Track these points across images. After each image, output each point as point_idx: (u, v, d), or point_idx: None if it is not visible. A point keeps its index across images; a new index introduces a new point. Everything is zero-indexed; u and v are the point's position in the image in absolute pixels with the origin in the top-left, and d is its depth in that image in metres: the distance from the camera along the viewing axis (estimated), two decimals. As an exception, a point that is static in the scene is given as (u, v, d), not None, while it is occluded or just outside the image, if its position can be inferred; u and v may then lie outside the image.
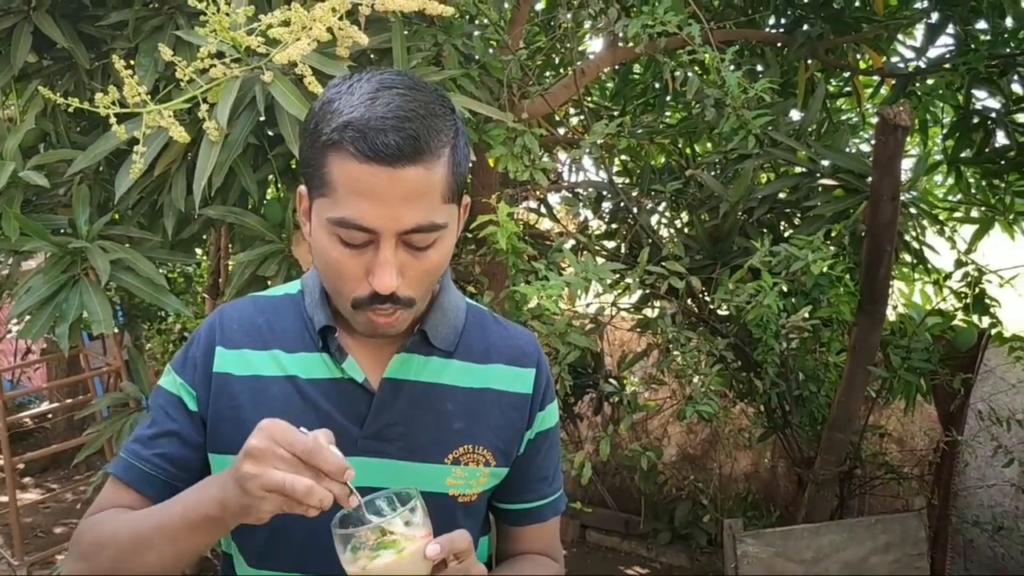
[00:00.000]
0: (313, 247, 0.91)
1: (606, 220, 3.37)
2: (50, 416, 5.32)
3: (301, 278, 1.05)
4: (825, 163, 2.64)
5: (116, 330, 2.79)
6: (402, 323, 0.92)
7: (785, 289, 2.35)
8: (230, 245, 2.70)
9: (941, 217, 3.02)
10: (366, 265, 0.86)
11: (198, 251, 3.20)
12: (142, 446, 0.96)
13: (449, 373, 0.99)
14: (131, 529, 0.89)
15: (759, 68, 3.47)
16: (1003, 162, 3.37)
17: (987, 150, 3.41)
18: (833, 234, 2.55)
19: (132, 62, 1.78)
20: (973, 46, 3.25)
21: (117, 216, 2.13)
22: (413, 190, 0.83)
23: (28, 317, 1.89)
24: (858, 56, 3.70)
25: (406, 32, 1.99)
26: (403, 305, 0.89)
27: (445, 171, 0.86)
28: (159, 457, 0.95)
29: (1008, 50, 3.24)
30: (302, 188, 0.94)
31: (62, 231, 2.03)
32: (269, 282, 2.05)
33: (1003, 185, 3.51)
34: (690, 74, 2.39)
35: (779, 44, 3.45)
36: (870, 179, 2.30)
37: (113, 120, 1.61)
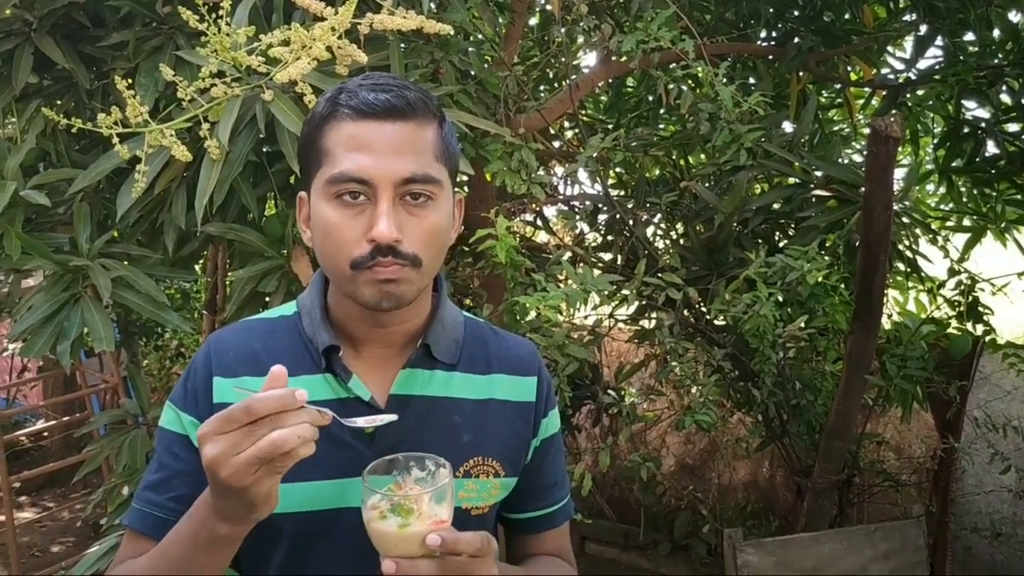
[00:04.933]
0: (313, 226, 0.93)
1: (602, 232, 3.39)
2: (46, 434, 5.30)
3: (297, 299, 1.04)
4: (818, 174, 2.66)
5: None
6: (407, 286, 0.90)
7: (781, 299, 2.36)
8: (228, 261, 2.71)
9: (934, 226, 3.05)
10: (365, 224, 0.87)
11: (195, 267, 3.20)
12: (153, 492, 0.94)
13: (454, 386, 1.00)
14: (145, 564, 0.88)
15: (751, 81, 3.51)
16: (994, 171, 3.41)
17: (978, 159, 3.44)
18: (827, 244, 2.57)
19: (131, 81, 1.80)
20: (962, 58, 3.29)
21: (117, 234, 2.14)
22: (405, 141, 0.88)
23: (28, 336, 1.90)
24: (849, 68, 3.74)
25: (403, 47, 2.02)
26: (407, 262, 0.88)
27: (435, 135, 0.91)
28: (172, 500, 0.93)
29: (996, 61, 3.28)
30: (302, 193, 0.95)
31: (63, 249, 2.03)
32: (268, 298, 2.06)
33: (994, 194, 3.55)
34: (684, 88, 2.42)
35: (771, 57, 3.49)
36: (863, 189, 2.33)
37: (116, 140, 1.62)
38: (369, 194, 0.87)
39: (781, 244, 2.86)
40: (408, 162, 0.87)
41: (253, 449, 0.72)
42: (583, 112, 3.75)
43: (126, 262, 2.03)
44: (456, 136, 0.97)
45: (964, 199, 3.70)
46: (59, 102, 2.21)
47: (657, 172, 3.62)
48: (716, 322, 2.76)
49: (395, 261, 0.87)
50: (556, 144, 3.45)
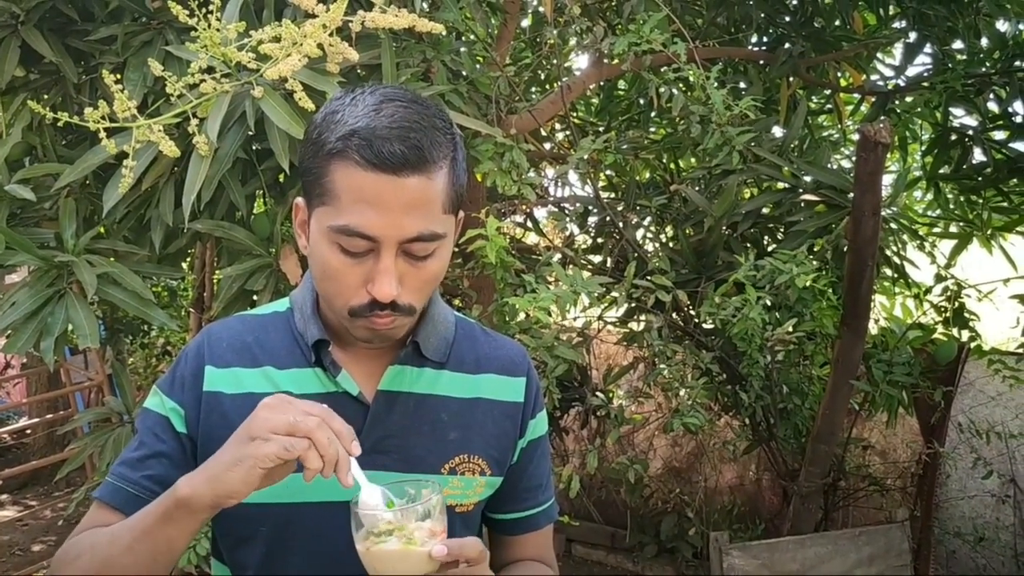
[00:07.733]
0: (311, 256, 0.92)
1: (592, 234, 3.39)
2: (29, 432, 5.25)
3: (289, 295, 1.05)
4: (807, 179, 2.68)
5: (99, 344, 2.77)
6: (400, 329, 0.93)
7: (769, 303, 2.38)
8: (216, 259, 2.69)
9: (921, 232, 3.07)
10: (365, 274, 0.87)
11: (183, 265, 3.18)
12: (130, 469, 0.94)
13: (442, 384, 1.00)
14: (109, 533, 0.88)
15: (742, 85, 3.52)
16: (980, 178, 3.44)
17: (965, 167, 3.47)
18: (816, 249, 2.59)
19: (120, 76, 1.78)
20: (950, 65, 3.32)
21: (103, 230, 2.12)
22: (415, 199, 0.84)
23: (11, 332, 1.88)
24: (839, 74, 3.76)
25: (395, 46, 2.01)
26: (403, 312, 0.90)
27: (445, 182, 0.88)
28: (148, 479, 0.93)
29: (984, 69, 3.31)
30: (299, 200, 0.94)
31: (48, 245, 2.01)
32: (256, 296, 2.05)
33: (980, 201, 3.58)
34: (675, 91, 2.43)
35: (761, 62, 3.51)
36: (852, 195, 2.34)
37: (103, 135, 1.61)
38: (373, 248, 0.86)
39: (770, 248, 2.88)
40: (416, 220, 0.85)
41: (301, 418, 0.78)
42: (574, 114, 3.75)
43: (112, 258, 2.01)
44: (465, 156, 0.94)
45: (951, 206, 3.72)
46: (46, 96, 2.18)
47: (647, 175, 3.63)
48: (705, 325, 2.77)
49: (392, 314, 0.89)
50: (547, 146, 3.45)
